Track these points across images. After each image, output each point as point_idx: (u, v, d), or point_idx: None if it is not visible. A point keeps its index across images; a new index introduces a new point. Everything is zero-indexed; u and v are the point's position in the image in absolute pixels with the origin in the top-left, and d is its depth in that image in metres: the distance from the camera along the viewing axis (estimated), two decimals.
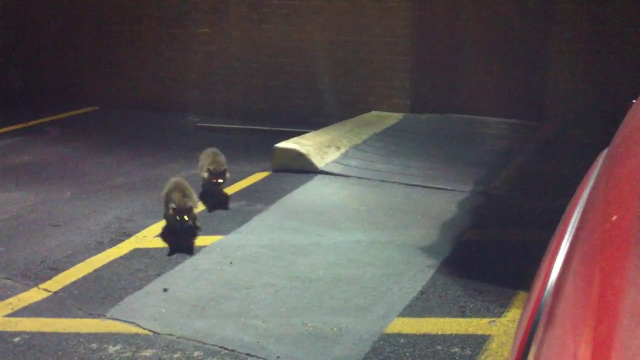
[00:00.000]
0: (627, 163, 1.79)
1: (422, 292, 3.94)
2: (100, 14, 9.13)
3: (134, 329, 3.60)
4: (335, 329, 3.57)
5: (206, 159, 5.57)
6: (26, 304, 3.90)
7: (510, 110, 7.33)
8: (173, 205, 4.63)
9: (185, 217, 4.62)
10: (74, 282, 4.14)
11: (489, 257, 4.44)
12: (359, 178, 5.86)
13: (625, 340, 1.04)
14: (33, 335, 3.56)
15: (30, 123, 8.28)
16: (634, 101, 2.41)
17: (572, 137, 6.66)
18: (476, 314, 3.70)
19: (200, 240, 4.73)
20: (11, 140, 7.59)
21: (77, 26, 9.29)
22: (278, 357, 3.33)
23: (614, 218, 1.48)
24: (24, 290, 4.05)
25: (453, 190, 5.57)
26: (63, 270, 4.30)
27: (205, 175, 5.40)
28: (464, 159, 6.28)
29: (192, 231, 4.75)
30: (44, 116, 8.56)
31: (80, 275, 4.24)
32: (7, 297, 3.97)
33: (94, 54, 9.26)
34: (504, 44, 7.30)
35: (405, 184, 5.70)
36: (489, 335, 3.48)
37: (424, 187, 5.66)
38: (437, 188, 5.63)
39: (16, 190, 5.86)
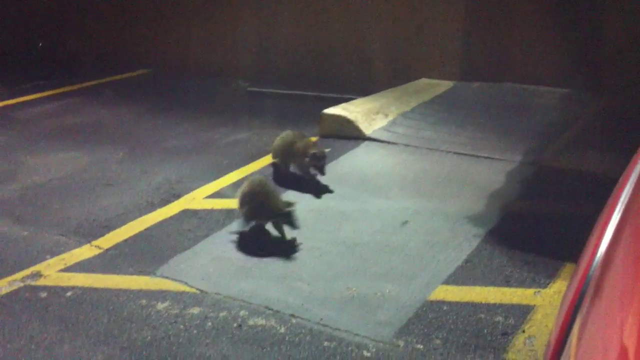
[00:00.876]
0: None
1: (467, 261, 3.93)
2: None
3: (182, 287, 3.69)
4: (379, 294, 3.59)
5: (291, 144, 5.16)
6: (78, 260, 4.03)
7: (566, 79, 7.13)
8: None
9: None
10: (125, 240, 4.26)
11: (536, 228, 4.38)
12: (407, 145, 5.82)
13: None
14: (85, 290, 3.68)
15: (85, 84, 8.46)
16: None
17: (629, 110, 6.46)
18: (521, 284, 3.68)
19: None
20: (67, 100, 7.77)
21: None
22: (321, 319, 3.37)
23: None
24: (77, 247, 4.19)
25: (502, 160, 5.49)
26: (114, 229, 4.42)
27: (307, 160, 4.99)
28: (515, 129, 6.17)
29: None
30: (99, 78, 8.73)
31: (131, 233, 4.36)
32: (61, 252, 4.11)
33: (146, 18, 9.35)
34: (560, 9, 7.09)
35: (454, 153, 5.65)
36: (534, 306, 3.46)
37: (473, 156, 5.59)
38: (486, 157, 5.56)
39: (71, 150, 6.02)
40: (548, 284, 3.66)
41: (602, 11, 6.86)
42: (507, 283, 3.69)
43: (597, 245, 1.56)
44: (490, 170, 5.32)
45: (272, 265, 3.93)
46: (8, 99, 7.73)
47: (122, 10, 9.51)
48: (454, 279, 3.74)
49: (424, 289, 3.65)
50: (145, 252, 4.10)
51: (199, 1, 8.91)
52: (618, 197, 1.71)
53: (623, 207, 1.62)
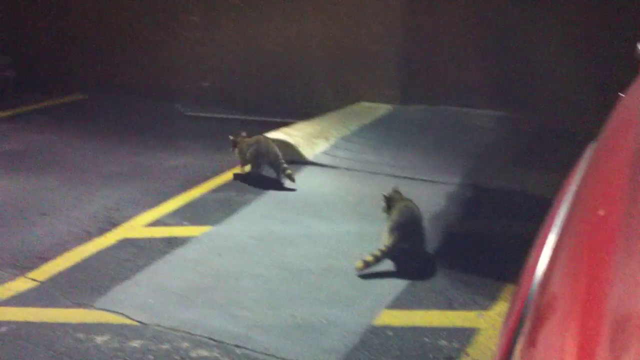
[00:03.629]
0: (614, 157, 1.79)
1: (410, 285, 3.95)
2: (89, 1, 9.05)
3: (122, 320, 3.59)
4: (324, 320, 3.57)
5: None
6: (13, 293, 3.88)
7: (500, 102, 7.33)
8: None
9: None
10: (62, 272, 4.12)
11: (477, 249, 4.45)
12: (348, 169, 5.86)
13: (611, 334, 1.04)
14: (20, 325, 3.54)
15: (18, 110, 8.20)
16: (621, 94, 2.41)
17: (562, 130, 6.67)
18: (464, 306, 3.72)
19: (189, 231, 4.72)
20: None
21: (66, 14, 9.20)
22: (266, 348, 3.33)
23: (601, 212, 1.48)
24: (11, 280, 4.03)
25: (442, 182, 5.58)
26: (50, 260, 4.28)
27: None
28: (453, 151, 6.29)
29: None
30: (31, 104, 8.48)
31: (68, 264, 4.22)
32: None
33: (81, 42, 9.17)
34: (493, 34, 7.29)
35: (395, 176, 5.70)
36: (477, 328, 3.50)
37: (413, 179, 5.66)
38: (426, 180, 5.64)
39: (3, 178, 5.81)
40: (490, 305, 3.72)
41: (534, 33, 7.08)
42: (450, 305, 3.73)
43: (535, 266, 1.59)
44: (431, 192, 5.39)
45: (215, 293, 3.87)
46: None
47: (57, 33, 9.30)
48: (398, 303, 3.76)
49: (369, 313, 3.65)
50: (83, 284, 3.98)
51: (135, 24, 8.79)
52: (554, 217, 1.74)
53: (559, 227, 1.65)
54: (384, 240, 4.14)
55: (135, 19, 8.79)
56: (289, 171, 5.48)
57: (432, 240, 4.53)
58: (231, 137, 5.78)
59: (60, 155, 6.54)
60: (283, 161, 5.54)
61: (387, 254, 4.09)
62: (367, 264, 4.02)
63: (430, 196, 5.30)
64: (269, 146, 5.62)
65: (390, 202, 4.39)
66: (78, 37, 9.16)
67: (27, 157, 6.45)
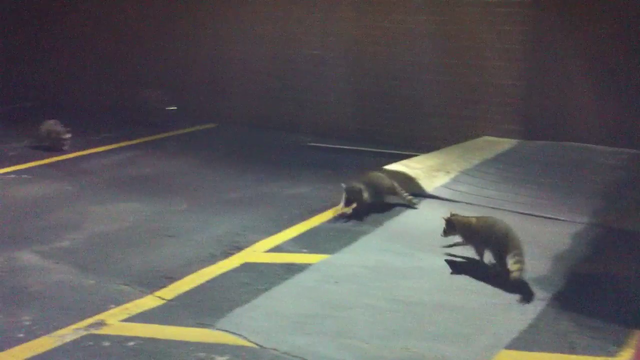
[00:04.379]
0: None
1: (531, 325, 3.81)
2: (216, 38, 9.55)
3: (240, 341, 3.69)
4: (439, 356, 3.51)
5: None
6: (141, 310, 4.09)
7: (629, 139, 6.98)
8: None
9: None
10: (187, 292, 4.32)
11: (604, 292, 4.24)
12: (468, 204, 5.75)
13: None
14: (146, 340, 3.72)
15: (152, 137, 8.73)
16: None
17: None
18: (588, 351, 3.54)
19: (307, 258, 4.81)
20: (134, 152, 8.03)
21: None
22: None
23: None
24: (140, 297, 4.26)
25: (566, 220, 5.37)
26: (176, 280, 4.49)
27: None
28: (578, 189, 6.04)
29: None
30: (165, 132, 9.01)
31: (193, 285, 4.41)
32: (124, 302, 4.19)
33: (211, 75, 9.68)
34: (622, 68, 6.99)
35: (516, 212, 5.55)
36: None
37: (536, 216, 5.48)
38: (550, 218, 5.44)
39: (135, 201, 6.18)
40: (616, 352, 3.52)
41: None
42: (573, 350, 3.56)
43: None
44: (555, 231, 5.20)
45: (328, 322, 3.91)
46: (80, 150, 8.04)
47: (186, 68, 9.88)
48: (517, 344, 3.63)
49: (486, 352, 3.55)
50: (205, 304, 4.14)
51: (263, 59, 9.17)
52: None
53: None
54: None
55: (261, 54, 9.18)
56: (409, 197, 5.79)
57: (555, 280, 4.36)
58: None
59: (189, 180, 6.88)
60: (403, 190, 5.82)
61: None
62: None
63: (555, 235, 5.11)
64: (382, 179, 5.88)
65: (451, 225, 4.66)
66: (206, 72, 9.65)
67: (159, 182, 6.84)
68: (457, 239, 4.71)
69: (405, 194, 5.80)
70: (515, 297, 4.13)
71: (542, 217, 5.47)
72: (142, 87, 9.80)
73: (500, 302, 4.10)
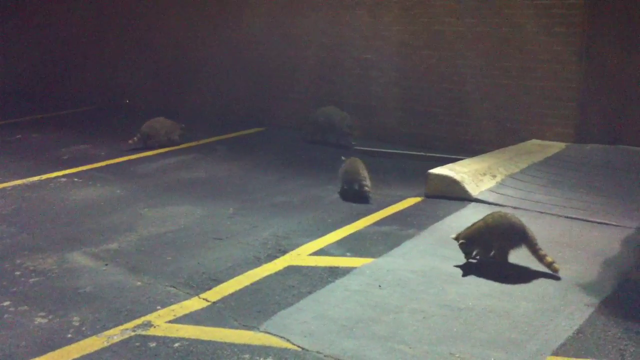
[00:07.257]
0: None
1: (578, 332, 3.75)
2: (266, 43, 9.66)
3: (285, 344, 3.73)
4: None
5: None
6: (187, 311, 4.16)
7: None
8: None
9: None
10: (232, 294, 4.37)
11: None
12: (515, 208, 5.68)
13: None
14: (192, 342, 3.79)
15: (202, 142, 8.87)
16: None
17: None
18: (637, 358, 3.46)
19: (351, 262, 4.82)
20: (185, 157, 8.17)
21: (246, 56, 9.89)
22: None
23: None
24: (186, 299, 4.33)
25: (617, 226, 5.25)
26: (222, 282, 4.56)
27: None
28: (630, 194, 5.89)
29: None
30: (215, 135, 9.16)
31: (238, 287, 4.47)
32: (171, 304, 4.27)
33: (260, 79, 9.80)
34: None
35: (566, 217, 5.46)
36: None
37: (586, 221, 5.38)
38: (600, 223, 5.33)
39: (186, 204, 6.29)
40: None
41: None
42: (622, 357, 3.49)
43: None
44: (605, 236, 5.09)
45: (374, 325, 3.91)
46: (130, 154, 8.23)
47: (245, 72, 10.02)
48: (565, 350, 3.58)
49: (533, 358, 3.51)
50: (250, 306, 4.19)
51: (310, 61, 9.24)
52: None
53: None
54: None
55: (309, 58, 9.25)
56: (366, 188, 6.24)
57: (604, 286, 4.27)
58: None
59: (237, 184, 6.97)
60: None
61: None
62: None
63: (604, 240, 5.00)
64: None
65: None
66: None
67: (209, 185, 6.95)
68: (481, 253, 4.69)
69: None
70: (562, 303, 4.07)
71: (591, 221, 5.36)
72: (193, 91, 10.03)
73: (547, 307, 4.04)
